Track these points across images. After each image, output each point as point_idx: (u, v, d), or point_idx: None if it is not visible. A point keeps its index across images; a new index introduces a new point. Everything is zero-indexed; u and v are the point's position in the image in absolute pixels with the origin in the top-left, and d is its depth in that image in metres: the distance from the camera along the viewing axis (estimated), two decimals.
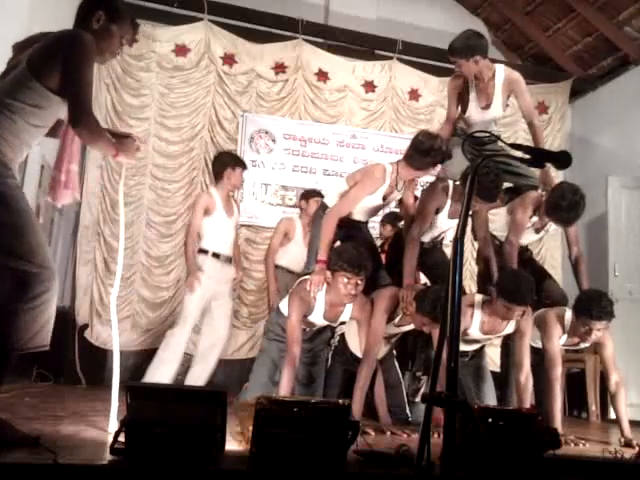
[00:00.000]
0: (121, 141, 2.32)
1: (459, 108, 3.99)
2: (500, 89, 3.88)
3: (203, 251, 4.31)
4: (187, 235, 4.35)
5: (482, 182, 3.33)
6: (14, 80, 2.07)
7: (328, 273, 3.25)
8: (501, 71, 3.87)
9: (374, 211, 3.86)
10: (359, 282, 3.19)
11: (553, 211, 3.66)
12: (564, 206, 3.58)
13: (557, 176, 5.04)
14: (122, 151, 2.32)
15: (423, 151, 3.48)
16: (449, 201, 3.66)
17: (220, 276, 4.33)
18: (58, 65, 2.05)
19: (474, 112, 3.91)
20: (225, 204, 4.36)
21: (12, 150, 2.05)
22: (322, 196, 4.51)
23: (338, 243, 3.68)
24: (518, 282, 3.30)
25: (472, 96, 3.87)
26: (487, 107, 3.91)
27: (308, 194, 4.93)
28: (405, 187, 3.76)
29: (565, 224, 3.80)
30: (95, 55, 2.16)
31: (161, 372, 4.12)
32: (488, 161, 3.43)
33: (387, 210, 4.84)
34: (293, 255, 4.72)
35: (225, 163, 4.40)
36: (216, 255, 4.30)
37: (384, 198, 3.65)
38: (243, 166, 4.46)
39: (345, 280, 3.17)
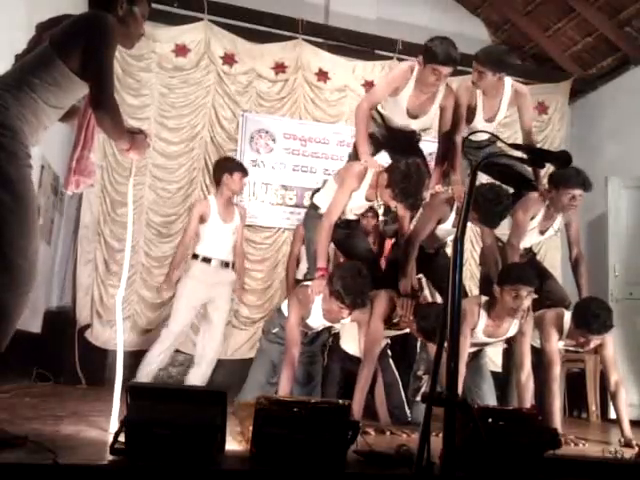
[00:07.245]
0: (133, 136, 2.29)
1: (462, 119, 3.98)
2: (506, 104, 3.87)
3: (194, 256, 4.39)
4: (180, 241, 4.50)
5: (488, 209, 3.31)
6: (36, 57, 2.03)
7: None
8: (509, 85, 3.84)
9: (360, 210, 3.78)
10: (351, 312, 3.26)
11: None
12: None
13: None
14: (134, 146, 2.29)
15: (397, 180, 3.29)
16: (454, 213, 3.60)
17: (214, 281, 4.35)
18: (81, 45, 2.01)
19: (479, 124, 3.91)
20: (223, 210, 4.38)
21: (30, 131, 1.99)
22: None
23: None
24: (515, 266, 3.49)
25: (479, 110, 3.86)
26: (492, 119, 3.91)
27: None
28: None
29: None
30: (121, 40, 2.15)
31: (144, 370, 4.24)
32: (498, 187, 3.41)
33: None
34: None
35: (223, 169, 4.40)
36: (206, 260, 4.34)
37: (367, 199, 3.58)
38: (242, 171, 4.41)
39: (339, 306, 3.20)
